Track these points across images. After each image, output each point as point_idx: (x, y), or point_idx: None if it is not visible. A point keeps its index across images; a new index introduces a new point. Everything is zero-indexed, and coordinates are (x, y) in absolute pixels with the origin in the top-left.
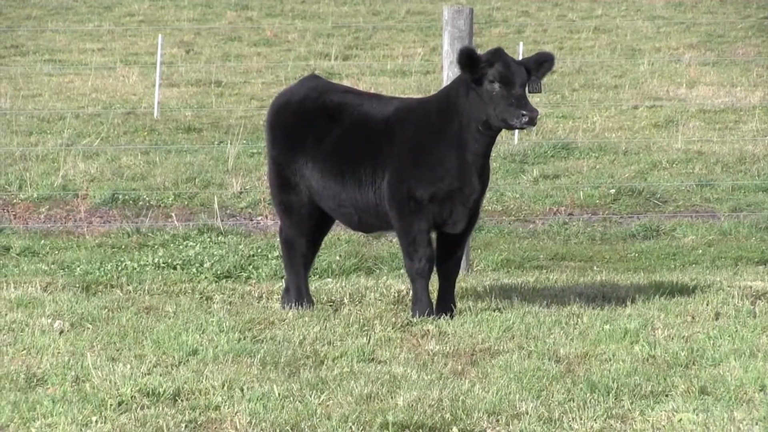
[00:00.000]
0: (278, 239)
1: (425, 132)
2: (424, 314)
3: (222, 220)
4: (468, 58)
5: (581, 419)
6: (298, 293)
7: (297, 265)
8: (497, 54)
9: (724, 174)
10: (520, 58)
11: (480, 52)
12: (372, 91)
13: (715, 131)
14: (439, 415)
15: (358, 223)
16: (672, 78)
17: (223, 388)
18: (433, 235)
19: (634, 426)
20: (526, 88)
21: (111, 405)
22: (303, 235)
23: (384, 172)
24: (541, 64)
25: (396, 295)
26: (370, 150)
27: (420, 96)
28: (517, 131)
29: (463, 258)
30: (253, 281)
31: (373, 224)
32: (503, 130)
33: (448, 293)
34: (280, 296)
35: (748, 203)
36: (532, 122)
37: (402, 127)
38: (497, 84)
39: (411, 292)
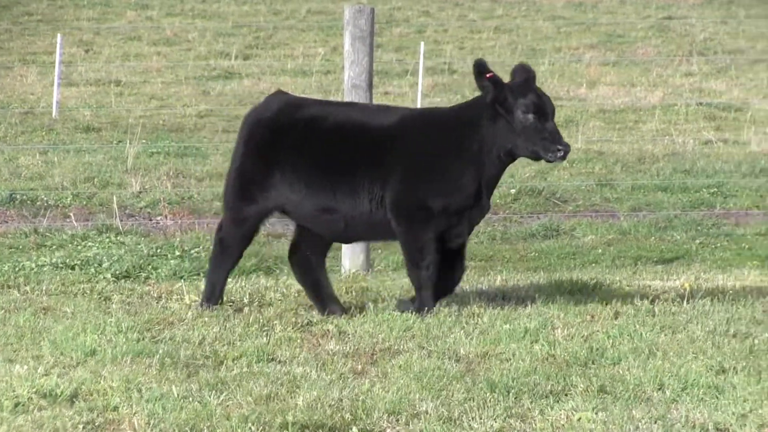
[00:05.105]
0: (213, 236)
1: (442, 145)
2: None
3: (121, 220)
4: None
5: (481, 418)
6: (212, 292)
7: (224, 268)
8: (528, 84)
9: (624, 174)
10: (422, 59)
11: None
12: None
13: (615, 131)
14: (339, 415)
15: (342, 231)
16: (572, 78)
17: (121, 388)
18: None
19: (533, 425)
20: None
21: (7, 406)
22: (244, 244)
23: (385, 181)
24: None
25: (296, 295)
26: (368, 158)
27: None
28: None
29: (364, 258)
30: (152, 281)
31: (359, 232)
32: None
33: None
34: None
35: (647, 203)
36: (564, 157)
37: (411, 137)
38: (531, 115)
39: (415, 298)
